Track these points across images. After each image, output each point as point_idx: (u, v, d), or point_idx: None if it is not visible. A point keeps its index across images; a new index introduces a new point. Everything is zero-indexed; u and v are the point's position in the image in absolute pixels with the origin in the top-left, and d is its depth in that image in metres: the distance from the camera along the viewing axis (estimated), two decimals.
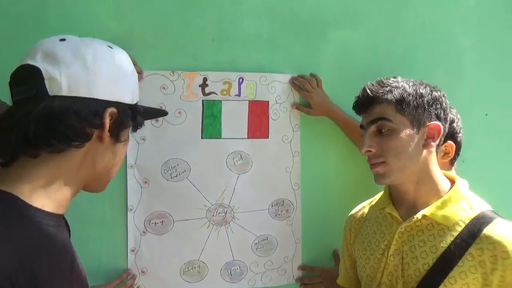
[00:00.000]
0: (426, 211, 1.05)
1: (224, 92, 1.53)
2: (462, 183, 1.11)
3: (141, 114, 0.85)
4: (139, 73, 1.45)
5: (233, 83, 1.54)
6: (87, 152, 0.78)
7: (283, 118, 1.59)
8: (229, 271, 1.56)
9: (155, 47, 1.49)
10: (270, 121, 1.57)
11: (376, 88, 1.07)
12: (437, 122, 1.06)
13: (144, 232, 1.50)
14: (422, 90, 1.06)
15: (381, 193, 1.20)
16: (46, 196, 0.74)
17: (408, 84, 1.07)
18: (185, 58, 1.51)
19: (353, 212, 1.28)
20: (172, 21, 1.50)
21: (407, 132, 1.04)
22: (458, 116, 1.46)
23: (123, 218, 1.49)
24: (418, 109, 1.04)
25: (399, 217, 1.09)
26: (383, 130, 1.05)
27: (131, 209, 1.49)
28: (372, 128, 1.06)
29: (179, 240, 1.51)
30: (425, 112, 1.05)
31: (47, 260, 0.71)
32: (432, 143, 1.06)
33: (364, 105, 1.09)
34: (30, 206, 0.71)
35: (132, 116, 0.83)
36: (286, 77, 1.58)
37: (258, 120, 1.56)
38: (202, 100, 1.52)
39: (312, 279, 1.62)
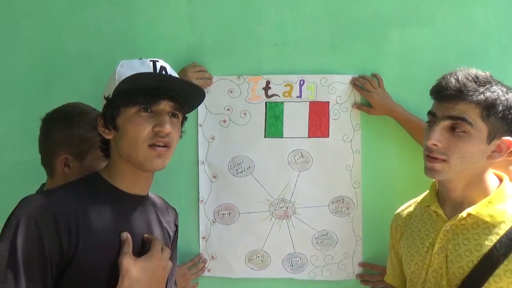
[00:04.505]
0: (471, 209, 1.04)
1: (286, 94, 1.63)
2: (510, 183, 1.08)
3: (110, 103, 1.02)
4: (209, 78, 1.62)
5: (294, 85, 1.63)
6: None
7: (343, 118, 1.64)
8: (290, 262, 1.66)
9: (223, 54, 1.65)
10: (331, 121, 1.63)
11: (470, 83, 0.99)
12: (510, 138, 1.02)
13: (213, 221, 1.66)
14: None
15: (428, 191, 1.20)
16: None
17: (502, 90, 1.00)
18: (250, 63, 1.64)
19: (399, 210, 1.30)
20: (238, 30, 1.64)
21: (481, 140, 1.01)
22: None
23: (195, 209, 1.67)
24: (501, 121, 1.00)
25: (444, 215, 1.09)
26: (457, 129, 1.01)
27: (202, 201, 1.67)
28: (447, 122, 1.01)
29: (244, 230, 1.65)
30: (505, 126, 1.01)
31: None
32: (497, 157, 1.04)
33: (448, 96, 1.01)
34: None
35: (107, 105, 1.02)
36: (347, 78, 1.63)
37: (319, 120, 1.63)
38: (265, 102, 1.64)
39: (373, 276, 1.64)
